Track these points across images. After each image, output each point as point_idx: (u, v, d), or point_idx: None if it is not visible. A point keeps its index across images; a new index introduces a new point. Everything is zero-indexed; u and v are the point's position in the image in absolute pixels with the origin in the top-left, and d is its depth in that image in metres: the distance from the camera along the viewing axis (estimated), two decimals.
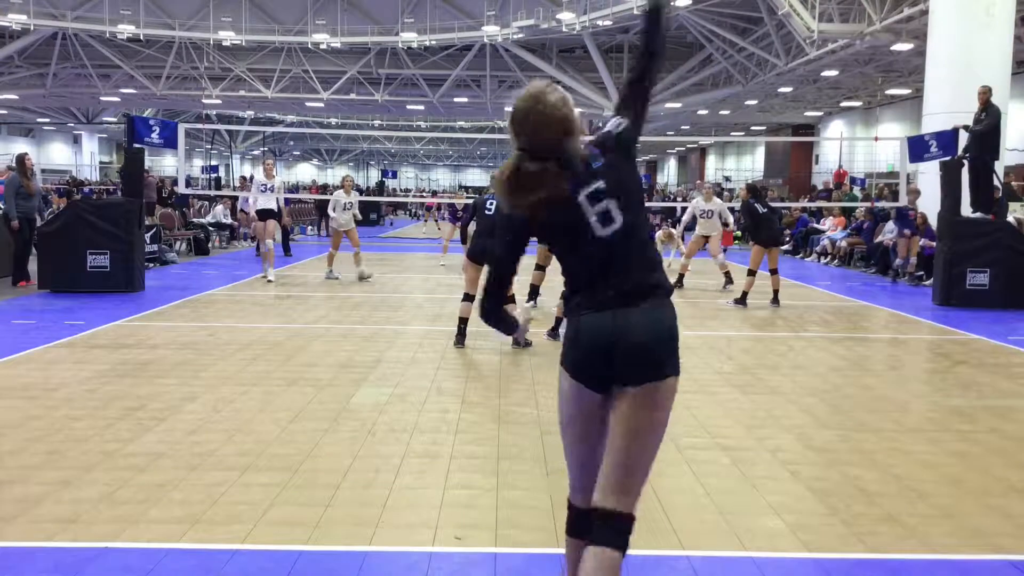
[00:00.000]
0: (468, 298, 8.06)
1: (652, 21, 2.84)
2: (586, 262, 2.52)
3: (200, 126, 47.95)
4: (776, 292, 11.40)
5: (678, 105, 38.92)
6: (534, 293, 9.47)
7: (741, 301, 11.28)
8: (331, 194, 14.82)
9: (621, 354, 2.45)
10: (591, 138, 2.63)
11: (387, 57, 39.19)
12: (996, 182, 12.36)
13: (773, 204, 13.07)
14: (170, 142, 12.33)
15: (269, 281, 12.92)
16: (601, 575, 2.40)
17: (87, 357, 7.27)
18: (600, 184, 2.49)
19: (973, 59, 15.11)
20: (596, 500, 2.51)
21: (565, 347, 2.57)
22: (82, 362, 7.07)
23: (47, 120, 55.37)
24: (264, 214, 13.18)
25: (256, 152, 78.30)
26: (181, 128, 12.96)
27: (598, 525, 2.49)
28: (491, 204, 8.39)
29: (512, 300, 8.13)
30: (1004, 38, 15.54)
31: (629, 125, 2.60)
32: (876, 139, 27.04)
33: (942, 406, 6.21)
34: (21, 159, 12.44)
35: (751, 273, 11.48)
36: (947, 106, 14.99)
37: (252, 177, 16.59)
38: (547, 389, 6.44)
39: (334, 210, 13.77)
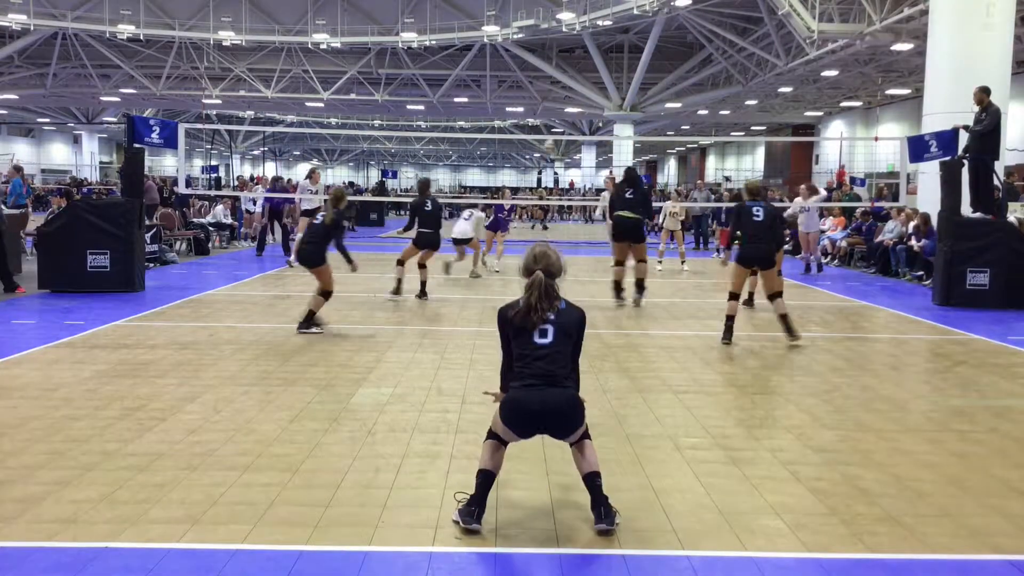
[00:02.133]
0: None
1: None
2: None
3: (200, 126, 47.97)
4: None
5: (678, 105, 38.94)
6: (618, 289, 11.09)
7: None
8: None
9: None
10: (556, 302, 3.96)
11: (387, 57, 39.21)
12: (996, 182, 12.36)
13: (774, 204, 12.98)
14: (170, 142, 12.33)
15: (292, 267, 14.34)
16: (590, 448, 3.97)
17: (87, 357, 7.27)
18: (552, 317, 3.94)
19: (973, 59, 15.12)
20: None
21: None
22: (82, 362, 7.07)
23: (47, 120, 55.42)
24: (307, 213, 14.68)
25: (256, 152, 78.33)
26: (181, 128, 12.96)
27: (573, 449, 4.00)
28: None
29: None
30: (1004, 38, 15.55)
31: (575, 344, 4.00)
32: (876, 139, 27.04)
33: (942, 406, 6.21)
34: None
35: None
36: (947, 106, 15.00)
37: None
38: None
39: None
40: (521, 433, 3.93)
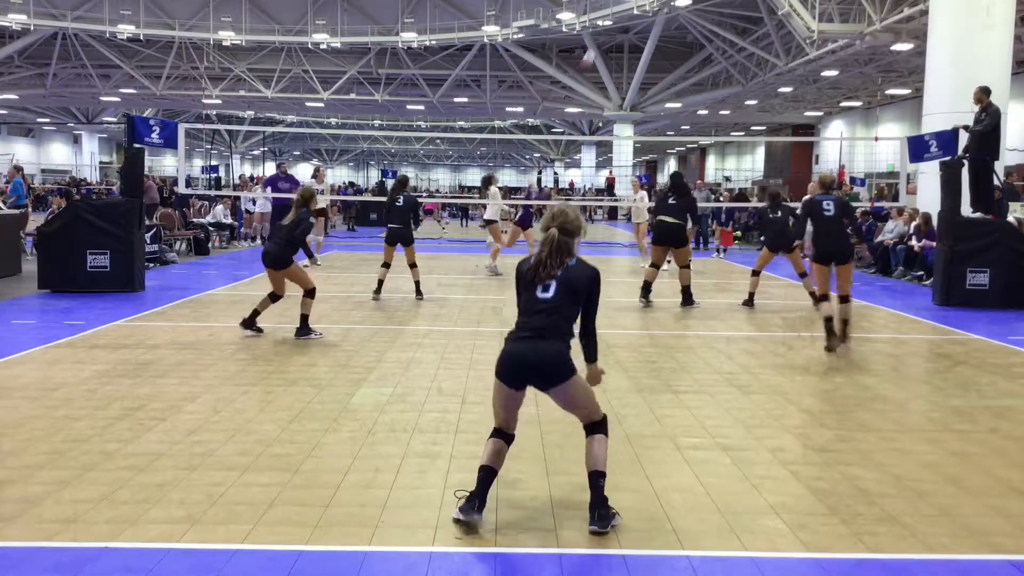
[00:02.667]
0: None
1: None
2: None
3: (200, 126, 48.05)
4: (813, 295, 11.10)
5: (678, 105, 38.94)
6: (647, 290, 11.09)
7: (748, 303, 11.20)
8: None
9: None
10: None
11: (387, 57, 39.20)
12: (996, 182, 12.35)
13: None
14: (170, 142, 12.32)
15: (317, 265, 14.41)
16: (601, 445, 3.99)
17: (87, 357, 7.27)
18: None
19: (973, 59, 15.11)
20: (581, 421, 4.10)
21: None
22: (82, 362, 7.07)
23: (47, 120, 55.42)
24: (319, 212, 15.05)
25: (256, 152, 78.31)
26: (181, 128, 12.96)
27: (590, 428, 4.04)
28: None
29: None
30: (1004, 38, 15.54)
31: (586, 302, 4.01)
32: (876, 139, 27.03)
33: (942, 406, 6.21)
34: None
35: (755, 273, 11.45)
36: (947, 106, 15.00)
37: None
38: None
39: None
40: (509, 383, 3.98)
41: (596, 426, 4.02)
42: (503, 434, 4.04)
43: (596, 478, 3.88)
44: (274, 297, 8.55)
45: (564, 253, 3.96)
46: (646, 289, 11.13)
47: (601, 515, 3.80)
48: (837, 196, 8.64)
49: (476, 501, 3.83)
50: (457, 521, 3.83)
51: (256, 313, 8.52)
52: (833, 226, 8.22)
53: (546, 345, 3.89)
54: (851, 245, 8.40)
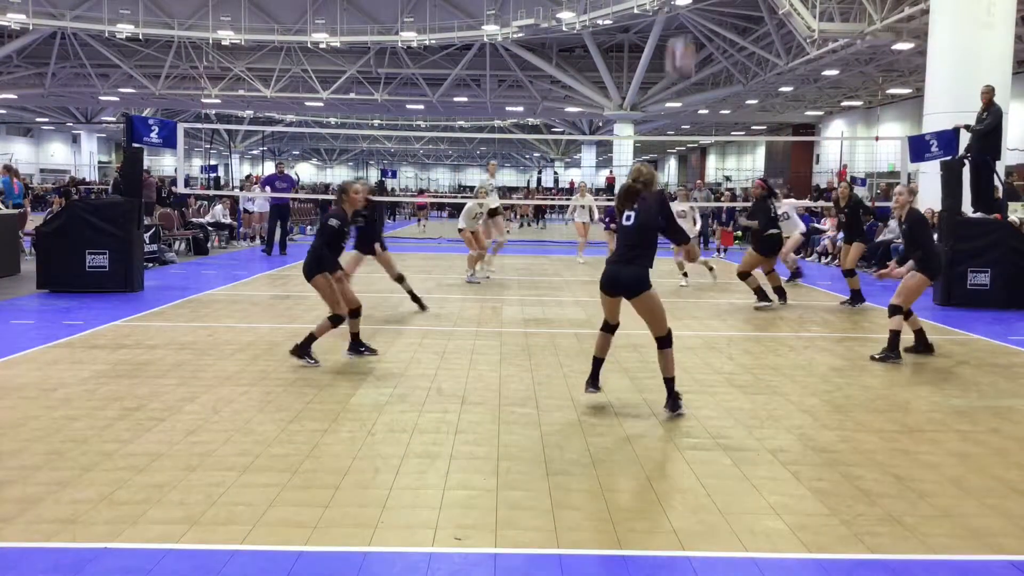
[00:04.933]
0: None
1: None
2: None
3: (199, 126, 47.98)
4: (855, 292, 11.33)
5: (678, 104, 38.94)
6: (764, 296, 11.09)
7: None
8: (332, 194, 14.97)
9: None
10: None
11: (387, 56, 39.19)
12: (997, 182, 12.35)
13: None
14: (169, 142, 12.31)
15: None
16: (669, 357, 5.71)
17: (86, 357, 7.26)
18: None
19: (974, 58, 15.12)
20: (653, 333, 5.74)
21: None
22: (81, 362, 7.06)
23: (46, 120, 55.41)
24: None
25: (255, 152, 78.30)
26: (180, 128, 12.94)
27: (660, 343, 5.70)
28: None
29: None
30: (1004, 38, 15.55)
31: (662, 223, 5.69)
32: (877, 139, 27.01)
33: (943, 406, 6.20)
34: None
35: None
36: (948, 105, 15.00)
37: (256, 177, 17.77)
38: (547, 390, 6.44)
39: None
40: (609, 293, 5.72)
41: (663, 340, 5.63)
42: (608, 326, 5.82)
43: (670, 383, 5.71)
44: (333, 319, 7.10)
45: (632, 197, 5.60)
46: (770, 292, 11.19)
47: (674, 404, 5.71)
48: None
49: (595, 381, 5.90)
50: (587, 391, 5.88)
51: (311, 338, 7.17)
52: None
53: (631, 270, 5.56)
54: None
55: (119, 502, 4.04)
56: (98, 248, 11.23)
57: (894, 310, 7.82)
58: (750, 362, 7.69)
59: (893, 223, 16.41)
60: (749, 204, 12.82)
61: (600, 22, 31.89)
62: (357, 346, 7.50)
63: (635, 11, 29.72)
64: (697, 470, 4.67)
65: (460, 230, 13.66)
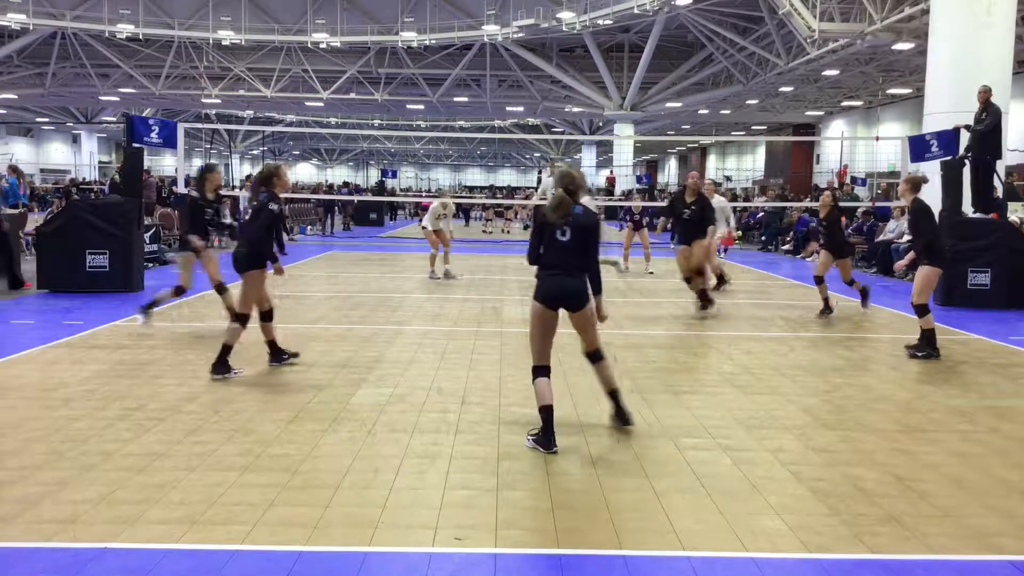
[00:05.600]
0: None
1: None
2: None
3: (199, 126, 47.98)
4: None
5: (678, 105, 38.90)
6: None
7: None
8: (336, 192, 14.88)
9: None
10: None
11: (387, 56, 39.16)
12: (997, 182, 12.34)
13: (776, 204, 12.69)
14: (169, 142, 12.32)
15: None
16: (608, 368, 5.41)
17: (86, 357, 7.26)
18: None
19: (974, 59, 15.09)
20: (583, 351, 5.42)
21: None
22: (81, 362, 7.06)
23: (46, 120, 55.36)
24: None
25: (256, 152, 78.30)
26: (180, 128, 12.97)
27: (593, 356, 5.37)
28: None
29: None
30: (1004, 38, 15.52)
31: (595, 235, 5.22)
32: (877, 139, 27.02)
33: (943, 406, 6.20)
34: None
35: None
36: (948, 106, 14.97)
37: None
38: None
39: None
40: (548, 306, 5.14)
41: (597, 354, 5.33)
42: (545, 369, 5.10)
43: (614, 394, 5.38)
44: (239, 319, 6.84)
45: (567, 207, 5.06)
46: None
47: (623, 417, 5.36)
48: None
49: (550, 438, 4.95)
50: (535, 448, 4.91)
51: (273, 345, 7.14)
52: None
53: (572, 281, 5.14)
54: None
55: (119, 502, 4.04)
56: (98, 248, 11.23)
57: (921, 310, 7.95)
58: (750, 362, 7.69)
59: (893, 223, 16.41)
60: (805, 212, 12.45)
61: (600, 22, 31.86)
62: (278, 354, 7.05)
63: (635, 11, 29.69)
64: (697, 470, 4.67)
65: (423, 228, 13.75)
